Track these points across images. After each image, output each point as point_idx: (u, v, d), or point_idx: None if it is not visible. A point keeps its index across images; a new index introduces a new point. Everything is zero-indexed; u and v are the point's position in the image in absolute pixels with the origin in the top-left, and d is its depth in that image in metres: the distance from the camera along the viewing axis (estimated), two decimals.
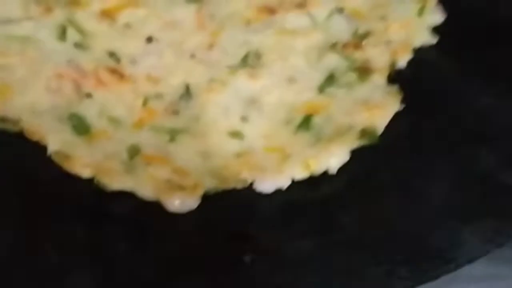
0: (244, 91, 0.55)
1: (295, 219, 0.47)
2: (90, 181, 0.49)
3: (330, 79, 0.55)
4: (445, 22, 0.58)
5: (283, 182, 0.50)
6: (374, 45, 0.57)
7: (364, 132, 0.52)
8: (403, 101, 0.54)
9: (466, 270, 0.52)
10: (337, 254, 0.45)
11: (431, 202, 0.47)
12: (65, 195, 0.48)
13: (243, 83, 0.55)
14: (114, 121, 0.52)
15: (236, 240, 0.46)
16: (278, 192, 0.50)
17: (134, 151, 0.50)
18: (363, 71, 0.56)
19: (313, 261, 0.45)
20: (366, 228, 0.46)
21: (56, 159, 0.50)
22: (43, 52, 0.55)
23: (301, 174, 0.50)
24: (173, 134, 0.52)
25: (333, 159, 0.51)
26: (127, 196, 0.49)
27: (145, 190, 0.48)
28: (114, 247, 0.45)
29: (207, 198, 0.49)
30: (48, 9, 0.56)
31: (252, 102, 0.54)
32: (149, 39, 0.57)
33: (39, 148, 0.50)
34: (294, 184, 0.50)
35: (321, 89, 0.55)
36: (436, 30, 0.58)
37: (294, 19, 0.59)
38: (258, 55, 0.57)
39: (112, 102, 0.53)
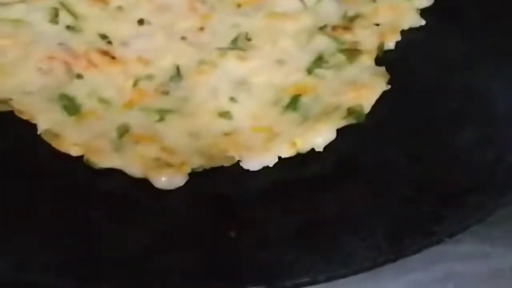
0: (233, 72, 0.55)
1: (281, 196, 0.48)
2: (79, 159, 0.50)
3: (319, 61, 0.56)
4: (434, 4, 0.59)
5: (270, 160, 0.50)
6: (363, 27, 0.58)
7: (350, 111, 0.52)
8: (390, 81, 0.54)
9: (453, 249, 0.53)
10: (320, 230, 0.45)
11: (413, 179, 0.47)
12: (54, 173, 0.49)
13: (233, 65, 0.56)
14: (104, 102, 0.53)
15: (222, 216, 0.47)
16: (265, 170, 0.50)
17: (123, 130, 0.51)
18: (352, 52, 0.56)
19: (296, 237, 0.45)
20: (350, 204, 0.46)
21: (45, 137, 0.50)
22: (35, 34, 0.56)
23: (287, 152, 0.50)
24: (162, 114, 0.53)
25: (320, 137, 0.51)
26: (115, 174, 0.49)
27: (133, 167, 0.49)
28: (102, 223, 0.46)
29: (195, 175, 0.49)
30: None
31: (241, 83, 0.55)
32: (141, 22, 0.58)
33: (29, 127, 0.51)
34: (282, 162, 0.51)
35: (310, 70, 0.55)
36: (425, 12, 0.59)
37: (284, 2, 0.59)
38: (248, 38, 0.57)
39: (102, 83, 0.54)
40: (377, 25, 0.58)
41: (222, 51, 0.56)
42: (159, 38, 0.57)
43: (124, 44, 0.56)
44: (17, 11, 0.57)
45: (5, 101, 0.52)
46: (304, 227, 0.46)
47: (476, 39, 0.57)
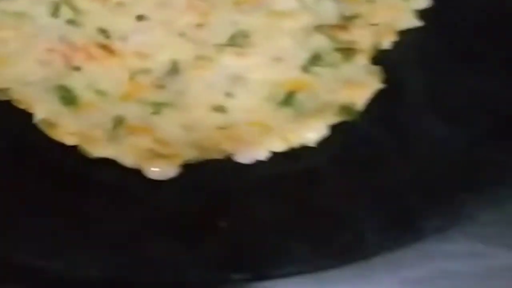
0: (230, 68, 0.56)
1: (273, 189, 0.48)
2: (74, 148, 0.50)
3: (315, 59, 0.56)
4: (432, 6, 0.59)
5: (262, 154, 0.50)
6: (359, 27, 0.58)
7: (344, 109, 0.53)
8: (385, 81, 0.55)
9: (446, 247, 0.53)
10: (309, 222, 0.45)
11: (403, 176, 0.48)
12: (49, 160, 0.49)
13: (230, 61, 0.56)
14: (101, 94, 0.54)
15: (213, 207, 0.47)
16: (258, 163, 0.50)
17: (118, 121, 0.52)
18: (348, 51, 0.57)
19: (285, 229, 0.45)
20: (339, 198, 0.46)
21: (41, 126, 0.51)
22: (36, 27, 0.57)
23: (279, 146, 0.51)
24: (157, 107, 0.53)
25: (312, 133, 0.51)
26: (109, 164, 0.50)
27: (127, 158, 0.50)
28: (93, 209, 0.46)
29: (188, 167, 0.50)
30: None
31: (237, 79, 0.55)
32: (140, 17, 0.59)
33: (26, 116, 0.51)
34: (276, 156, 0.51)
35: (306, 68, 0.56)
36: (423, 13, 0.59)
37: (283, 1, 0.60)
38: (245, 35, 0.58)
39: (100, 75, 0.55)
40: (374, 25, 0.59)
41: (220, 47, 0.57)
42: (157, 33, 0.58)
43: (123, 38, 0.57)
44: (20, 4, 0.58)
45: (3, 90, 0.53)
46: (293, 219, 0.46)
47: (472, 42, 0.57)
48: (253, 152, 0.51)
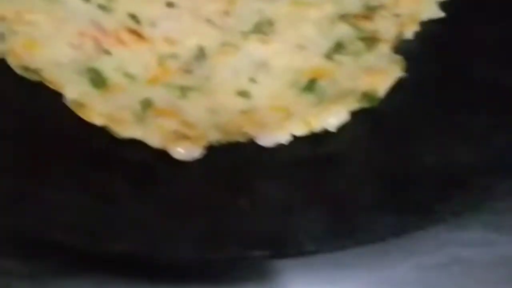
0: (254, 55, 0.57)
1: (293, 171, 0.50)
2: (103, 129, 0.52)
3: (338, 47, 0.58)
4: None
5: (284, 138, 0.52)
6: (383, 17, 0.59)
7: (364, 96, 0.54)
8: (407, 70, 0.56)
9: (461, 235, 0.54)
10: (328, 203, 0.47)
11: (422, 160, 0.49)
12: (78, 139, 0.51)
13: (254, 48, 0.58)
14: (130, 77, 0.55)
15: (235, 187, 0.49)
16: (280, 147, 0.52)
17: (146, 104, 0.54)
18: (371, 40, 0.58)
19: (304, 209, 0.47)
20: (358, 182, 0.48)
21: (71, 106, 0.53)
22: (68, 11, 0.59)
23: (301, 131, 0.52)
24: (184, 91, 0.55)
25: (333, 118, 0.53)
26: (137, 144, 0.51)
27: (153, 139, 0.52)
28: (118, 187, 0.48)
29: (212, 149, 0.51)
30: None
31: (261, 65, 0.57)
32: (169, 4, 0.60)
33: (56, 96, 0.54)
34: (297, 141, 0.52)
35: (329, 56, 0.57)
36: (445, 4, 0.60)
37: None
38: (270, 23, 0.59)
39: (129, 59, 0.57)
40: (397, 15, 0.60)
41: (245, 34, 0.58)
42: (185, 20, 0.59)
43: (152, 24, 0.59)
44: None
45: (35, 71, 0.55)
46: (312, 200, 0.47)
47: (495, 33, 0.58)
48: (275, 136, 0.52)
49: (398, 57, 0.57)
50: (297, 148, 0.52)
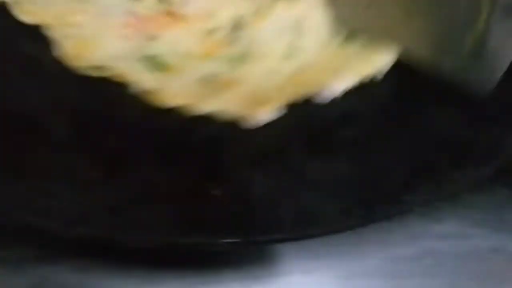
0: (288, 16, 0.59)
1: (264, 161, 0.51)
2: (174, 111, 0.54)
3: None
4: None
5: (337, 91, 0.55)
6: None
7: None
8: None
9: (435, 228, 0.55)
10: (299, 192, 0.48)
11: (391, 150, 0.50)
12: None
13: (285, 10, 0.59)
14: (184, 56, 0.58)
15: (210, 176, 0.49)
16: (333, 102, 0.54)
17: (208, 79, 0.56)
18: None
19: (274, 198, 0.48)
20: (329, 171, 0.49)
21: (143, 95, 0.55)
22: (101, 7, 0.60)
23: (352, 80, 0.55)
24: (235, 61, 0.57)
25: (380, 63, 0.55)
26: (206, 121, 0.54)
27: (228, 110, 0.54)
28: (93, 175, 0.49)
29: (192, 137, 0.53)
30: None
31: (298, 25, 0.58)
32: None
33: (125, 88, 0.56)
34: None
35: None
36: None
37: None
38: None
39: (175, 40, 0.59)
40: None
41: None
42: None
43: (185, 3, 0.60)
44: None
45: (99, 68, 0.57)
46: (284, 190, 0.48)
47: None
48: (328, 91, 0.54)
49: None
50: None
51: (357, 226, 0.48)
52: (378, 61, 0.55)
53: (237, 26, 0.59)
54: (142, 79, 0.56)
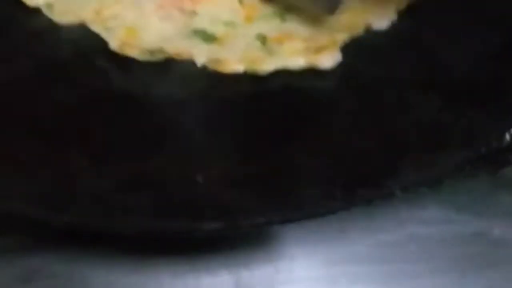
0: None
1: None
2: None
3: None
4: None
5: (393, 16, 0.57)
6: None
7: None
8: None
9: (419, 213, 0.56)
10: (281, 177, 0.49)
11: (373, 135, 0.50)
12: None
13: None
14: (229, 24, 0.59)
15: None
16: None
17: (262, 38, 0.58)
18: None
19: (257, 183, 0.48)
20: (312, 155, 0.49)
21: (209, 66, 0.57)
22: None
23: (402, 4, 0.57)
24: (279, 16, 0.59)
25: None
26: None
27: (295, 61, 0.56)
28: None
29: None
30: None
31: None
32: None
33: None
34: None
35: None
36: None
37: None
38: None
39: (214, 11, 0.60)
40: None
41: None
42: None
43: None
44: None
45: (157, 51, 0.58)
46: (266, 174, 0.49)
47: None
48: (382, 17, 0.57)
49: None
50: None
51: (339, 210, 0.48)
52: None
53: None
54: (200, 53, 0.57)
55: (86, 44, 0.58)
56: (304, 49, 0.57)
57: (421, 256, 0.56)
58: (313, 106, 0.54)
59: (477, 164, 0.51)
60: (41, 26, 0.58)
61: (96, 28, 0.59)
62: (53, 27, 0.59)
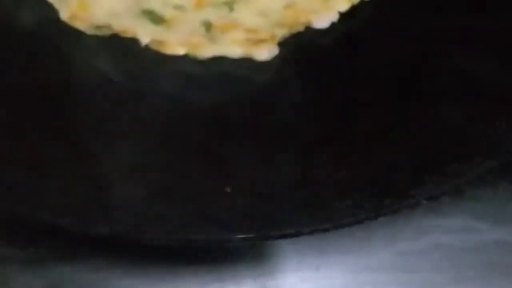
0: None
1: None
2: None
3: None
4: None
5: (334, 17, 0.59)
6: None
7: None
8: None
9: (442, 222, 0.56)
10: (310, 189, 0.49)
11: (399, 147, 0.51)
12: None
13: None
14: (178, 8, 0.60)
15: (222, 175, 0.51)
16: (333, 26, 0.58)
17: (207, 25, 0.59)
18: None
19: (287, 194, 0.49)
20: (340, 168, 0.50)
21: (151, 46, 0.59)
22: None
23: (345, 6, 0.59)
24: (229, 5, 0.60)
25: None
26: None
27: (233, 51, 0.58)
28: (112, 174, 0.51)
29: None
30: None
31: None
32: None
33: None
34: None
35: None
36: None
37: None
38: None
39: None
40: None
41: None
42: None
43: None
44: None
45: (106, 27, 0.60)
46: (295, 185, 0.50)
47: None
48: (326, 17, 0.59)
49: None
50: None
51: (367, 219, 0.49)
52: None
53: None
54: (145, 33, 0.59)
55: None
56: (245, 40, 0.59)
57: (445, 264, 0.56)
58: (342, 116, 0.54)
59: (497, 173, 0.52)
60: None
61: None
62: None
